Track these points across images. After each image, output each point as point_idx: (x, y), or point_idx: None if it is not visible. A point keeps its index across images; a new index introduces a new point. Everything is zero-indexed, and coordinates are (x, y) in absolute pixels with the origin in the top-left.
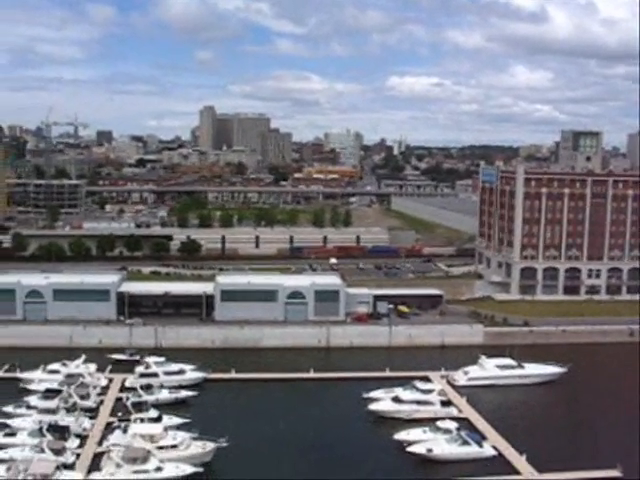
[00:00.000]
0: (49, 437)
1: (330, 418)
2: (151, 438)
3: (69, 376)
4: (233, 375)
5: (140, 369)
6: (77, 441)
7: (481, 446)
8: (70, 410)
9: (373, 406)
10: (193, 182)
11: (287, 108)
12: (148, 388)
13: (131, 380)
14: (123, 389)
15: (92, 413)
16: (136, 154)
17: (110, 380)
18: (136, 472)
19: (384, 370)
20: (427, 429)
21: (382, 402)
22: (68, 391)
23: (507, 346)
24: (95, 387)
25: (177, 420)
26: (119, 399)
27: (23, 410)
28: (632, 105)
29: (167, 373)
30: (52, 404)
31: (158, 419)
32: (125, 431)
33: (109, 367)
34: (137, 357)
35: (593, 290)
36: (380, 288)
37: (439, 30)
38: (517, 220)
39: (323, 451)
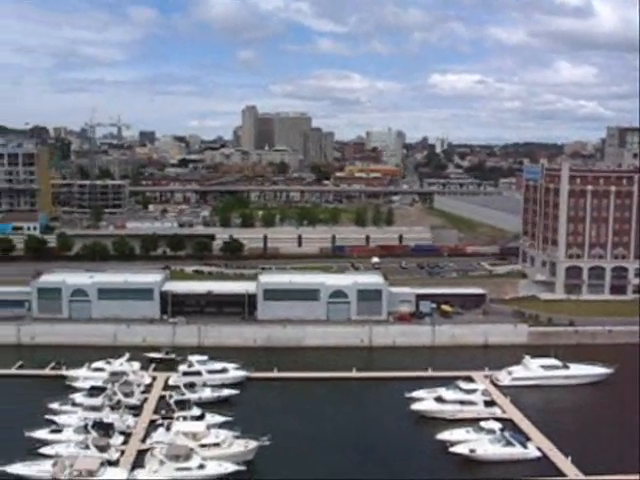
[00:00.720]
0: (94, 434)
1: (372, 418)
2: (194, 436)
3: (113, 374)
4: (275, 374)
5: (183, 367)
6: (121, 438)
7: (525, 447)
8: (114, 408)
9: (415, 406)
10: (235, 182)
11: (328, 107)
12: (191, 386)
13: (174, 378)
14: (166, 387)
15: (136, 411)
16: (179, 154)
17: (154, 378)
18: (179, 469)
19: (427, 370)
20: (470, 429)
21: (425, 402)
22: (112, 389)
23: (552, 346)
24: (139, 385)
25: (219, 418)
26: (162, 397)
27: (69, 407)
28: None
29: (210, 372)
30: (97, 401)
31: (201, 417)
32: (168, 429)
33: (152, 365)
34: (172, 355)
35: None
36: (423, 287)
37: (481, 27)
38: (562, 218)
39: (365, 451)
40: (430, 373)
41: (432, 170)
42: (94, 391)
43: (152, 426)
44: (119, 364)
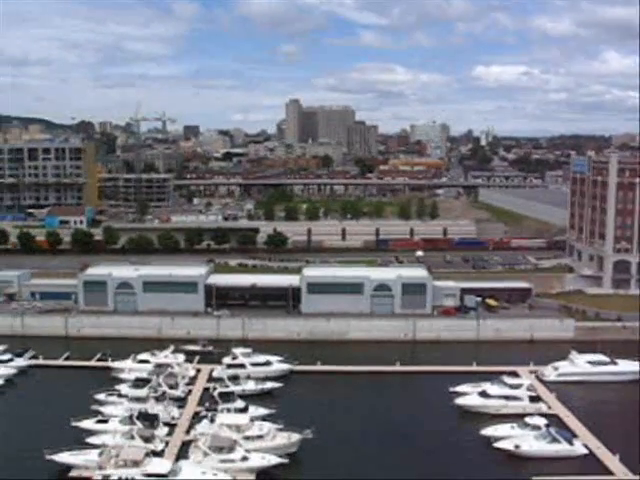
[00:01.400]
0: (139, 425)
1: (416, 412)
2: (237, 428)
3: (158, 366)
4: (319, 367)
5: (227, 360)
6: (166, 429)
7: (571, 444)
8: (159, 399)
9: (459, 400)
10: (279, 175)
11: (372, 100)
12: (235, 379)
13: (218, 371)
14: (210, 379)
15: (180, 402)
16: (223, 148)
17: (198, 370)
18: (222, 461)
19: (471, 364)
20: (515, 425)
21: (469, 397)
22: (157, 380)
23: (599, 342)
24: (183, 377)
25: (263, 411)
26: (206, 389)
27: (114, 398)
28: None
29: (254, 364)
30: (142, 393)
31: (244, 409)
32: (212, 421)
33: (197, 358)
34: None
35: None
36: (467, 281)
37: (526, 17)
38: (610, 212)
39: (408, 445)
40: (474, 368)
41: (477, 163)
42: (139, 382)
43: (196, 418)
44: (164, 356)
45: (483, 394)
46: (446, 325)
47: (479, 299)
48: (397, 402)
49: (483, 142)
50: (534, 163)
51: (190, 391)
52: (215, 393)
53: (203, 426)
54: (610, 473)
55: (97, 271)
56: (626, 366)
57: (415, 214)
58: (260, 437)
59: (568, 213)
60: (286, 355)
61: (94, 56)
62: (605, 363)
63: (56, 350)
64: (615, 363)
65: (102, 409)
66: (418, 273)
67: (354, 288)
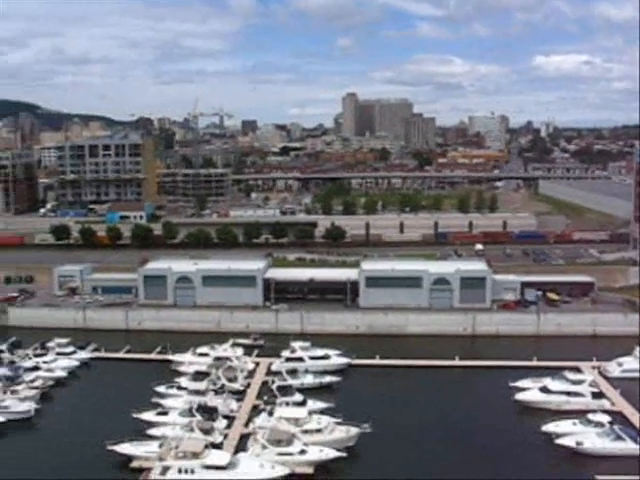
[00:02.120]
0: (198, 417)
1: (475, 407)
2: (296, 421)
3: (217, 359)
4: (377, 361)
5: (286, 353)
6: (225, 422)
7: (637, 442)
8: (218, 392)
9: (520, 396)
10: (337, 169)
11: (429, 92)
12: (293, 372)
13: (277, 364)
14: (269, 373)
15: (239, 395)
16: (280, 142)
17: (257, 364)
18: (281, 454)
19: (531, 359)
20: (577, 421)
21: (529, 392)
22: (216, 374)
23: None
24: (242, 370)
25: (321, 404)
26: (265, 382)
27: (174, 391)
28: None
29: (312, 358)
30: (201, 386)
31: (303, 403)
32: (271, 414)
33: (256, 351)
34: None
35: None
36: (528, 275)
37: (587, 4)
38: None
39: (467, 440)
40: (535, 363)
41: (537, 155)
42: (198, 375)
43: (255, 411)
44: (223, 350)
45: (544, 390)
46: (506, 319)
47: (540, 293)
48: (456, 397)
49: (543, 133)
50: (596, 154)
51: (249, 384)
52: (274, 386)
53: (262, 419)
54: None
55: (157, 265)
56: None
57: (474, 207)
58: (318, 431)
59: (632, 205)
60: (344, 349)
61: (152, 53)
62: None
63: (117, 343)
64: None
65: (162, 401)
66: (477, 267)
67: (412, 282)
